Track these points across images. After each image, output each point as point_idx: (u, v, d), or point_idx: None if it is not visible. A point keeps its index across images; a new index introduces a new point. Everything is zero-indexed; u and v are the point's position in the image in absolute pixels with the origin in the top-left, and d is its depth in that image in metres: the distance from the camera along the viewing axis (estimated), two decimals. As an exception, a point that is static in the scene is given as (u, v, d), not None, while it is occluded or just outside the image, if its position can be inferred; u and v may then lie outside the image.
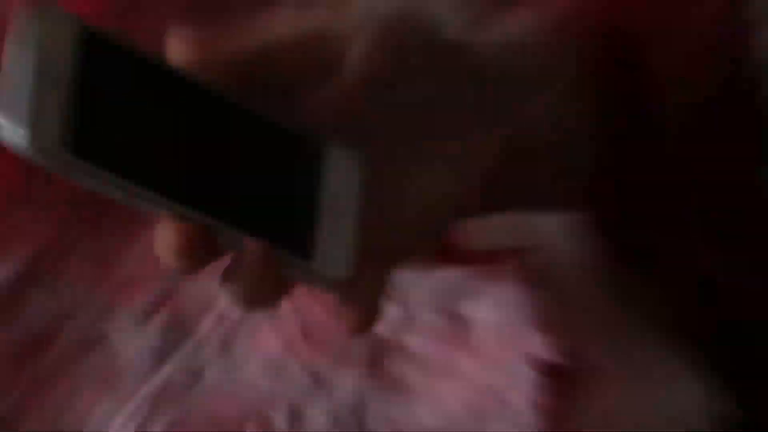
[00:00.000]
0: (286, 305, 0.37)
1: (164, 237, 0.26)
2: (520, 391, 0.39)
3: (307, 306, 0.40)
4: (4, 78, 0.22)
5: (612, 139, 0.38)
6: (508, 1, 0.39)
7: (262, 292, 0.28)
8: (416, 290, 0.40)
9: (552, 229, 0.42)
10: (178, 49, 0.27)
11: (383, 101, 0.31)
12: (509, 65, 0.34)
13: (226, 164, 0.27)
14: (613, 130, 0.38)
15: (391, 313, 0.36)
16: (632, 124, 0.38)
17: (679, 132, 0.39)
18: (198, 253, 0.26)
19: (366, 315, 0.30)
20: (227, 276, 0.28)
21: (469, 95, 0.33)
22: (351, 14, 0.32)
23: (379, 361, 0.40)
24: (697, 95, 0.39)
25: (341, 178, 0.29)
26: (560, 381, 0.38)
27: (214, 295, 0.40)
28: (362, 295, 0.30)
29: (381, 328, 0.36)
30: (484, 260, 0.41)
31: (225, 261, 0.28)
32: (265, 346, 0.41)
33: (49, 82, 0.22)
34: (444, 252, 0.39)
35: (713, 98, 0.40)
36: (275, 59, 0.29)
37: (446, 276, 0.40)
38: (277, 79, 0.29)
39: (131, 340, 0.41)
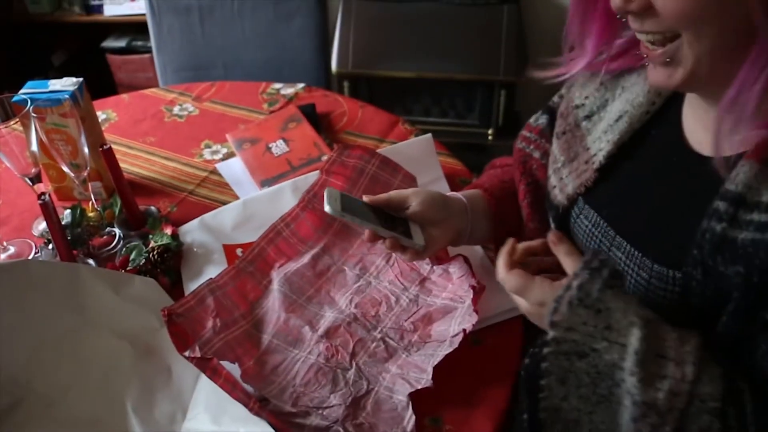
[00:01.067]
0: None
1: (387, 242, 0.71)
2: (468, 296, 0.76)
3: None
4: (327, 197, 0.69)
5: None
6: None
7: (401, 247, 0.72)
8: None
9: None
10: (369, 199, 0.73)
11: (424, 219, 0.74)
12: None
13: (392, 220, 0.72)
14: None
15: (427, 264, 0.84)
16: None
17: None
18: (397, 245, 0.72)
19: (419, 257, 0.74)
20: (399, 246, 0.72)
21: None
22: (411, 191, 0.75)
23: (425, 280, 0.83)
24: None
25: (414, 226, 0.73)
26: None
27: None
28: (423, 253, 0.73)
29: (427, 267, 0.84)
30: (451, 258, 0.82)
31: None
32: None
33: (334, 199, 0.68)
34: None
35: None
36: (391, 203, 0.74)
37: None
38: (393, 205, 0.74)
39: None
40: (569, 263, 0.61)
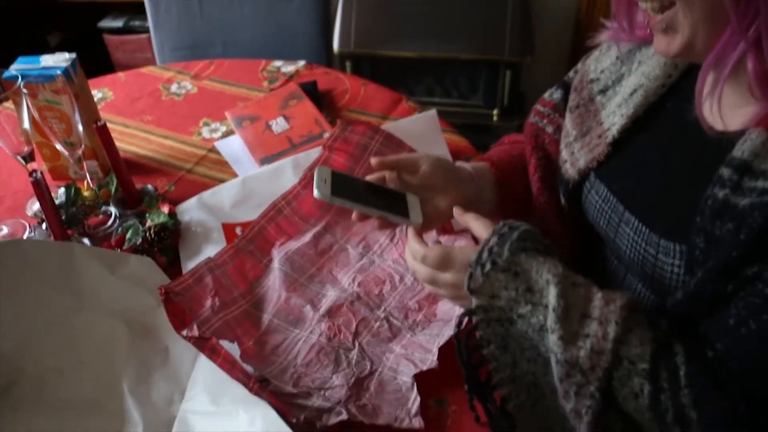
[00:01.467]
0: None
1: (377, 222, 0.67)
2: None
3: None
4: (316, 179, 0.64)
5: None
6: None
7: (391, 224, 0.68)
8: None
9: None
10: (378, 160, 0.70)
11: (433, 182, 0.71)
12: None
13: (387, 198, 0.68)
14: None
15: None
16: None
17: None
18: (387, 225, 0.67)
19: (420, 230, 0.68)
20: (390, 224, 0.68)
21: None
22: (422, 154, 0.73)
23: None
24: None
25: (413, 200, 0.69)
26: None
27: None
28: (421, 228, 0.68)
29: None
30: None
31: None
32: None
33: (323, 181, 0.65)
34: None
35: None
36: (400, 164, 0.71)
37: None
38: (402, 166, 0.71)
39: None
40: (479, 227, 0.62)
